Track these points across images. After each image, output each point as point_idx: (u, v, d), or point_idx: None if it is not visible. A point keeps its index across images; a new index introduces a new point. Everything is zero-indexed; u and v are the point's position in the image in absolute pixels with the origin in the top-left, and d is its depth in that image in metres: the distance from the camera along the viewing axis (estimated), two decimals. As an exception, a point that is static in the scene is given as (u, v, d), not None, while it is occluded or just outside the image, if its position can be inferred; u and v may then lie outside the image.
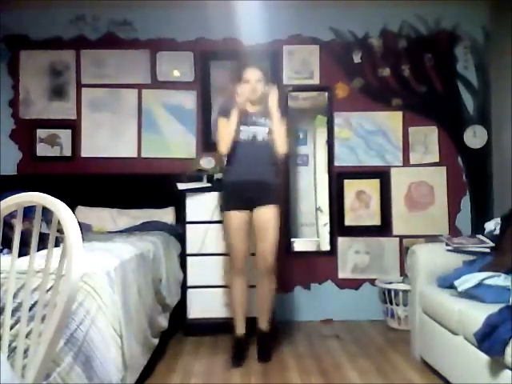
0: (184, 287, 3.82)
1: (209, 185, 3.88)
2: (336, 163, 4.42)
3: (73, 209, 1.51)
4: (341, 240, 4.40)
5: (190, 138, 4.42)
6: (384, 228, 4.39)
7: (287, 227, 4.27)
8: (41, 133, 4.39)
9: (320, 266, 4.37)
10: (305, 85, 4.43)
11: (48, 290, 1.70)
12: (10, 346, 1.58)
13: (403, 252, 4.29)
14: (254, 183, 3.24)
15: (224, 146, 3.30)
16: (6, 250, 2.34)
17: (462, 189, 4.41)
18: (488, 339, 2.13)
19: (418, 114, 4.41)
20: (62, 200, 1.46)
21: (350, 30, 4.42)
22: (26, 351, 1.43)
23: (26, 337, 1.53)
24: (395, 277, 4.30)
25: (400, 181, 4.42)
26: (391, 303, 4.03)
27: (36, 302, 1.71)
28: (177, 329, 3.82)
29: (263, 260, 3.31)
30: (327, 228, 4.41)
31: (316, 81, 4.43)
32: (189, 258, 3.84)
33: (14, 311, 1.81)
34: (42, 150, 4.39)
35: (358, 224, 4.40)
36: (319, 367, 3.15)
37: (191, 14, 4.32)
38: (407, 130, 4.42)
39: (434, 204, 4.41)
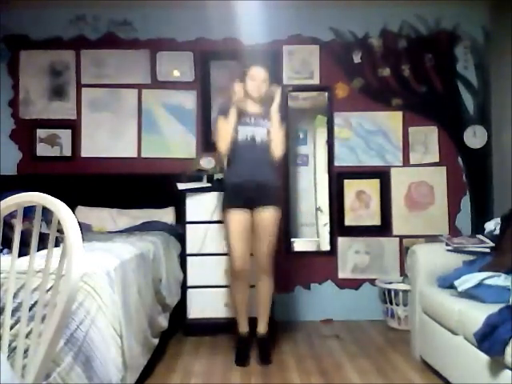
0: (184, 287, 3.82)
1: (209, 185, 3.88)
2: (336, 163, 4.42)
3: (73, 209, 1.51)
4: (341, 240, 4.40)
5: (190, 138, 4.42)
6: (384, 228, 4.39)
7: (287, 227, 4.28)
8: (41, 133, 4.39)
9: (320, 265, 4.37)
10: (305, 85, 4.43)
11: (48, 290, 1.70)
12: (10, 345, 1.58)
13: (403, 252, 4.30)
14: (253, 184, 3.24)
15: (223, 145, 3.30)
16: (6, 250, 2.34)
17: (462, 189, 4.41)
18: (488, 339, 2.13)
19: (418, 114, 4.41)
20: (62, 200, 1.46)
21: (350, 30, 4.42)
22: (26, 351, 1.43)
23: (26, 337, 1.53)
24: (395, 277, 4.30)
25: (400, 181, 4.42)
26: (391, 303, 4.03)
27: (36, 302, 1.71)
28: (177, 329, 3.82)
29: (259, 262, 3.32)
30: (327, 228, 4.41)
31: (316, 81, 4.43)
32: (189, 258, 3.84)
33: (14, 311, 1.81)
34: (42, 149, 4.39)
35: (358, 224, 4.40)
36: (319, 367, 3.15)
37: (191, 14, 4.32)
38: (407, 130, 4.42)
39: (433, 204, 4.41)
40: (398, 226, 4.40)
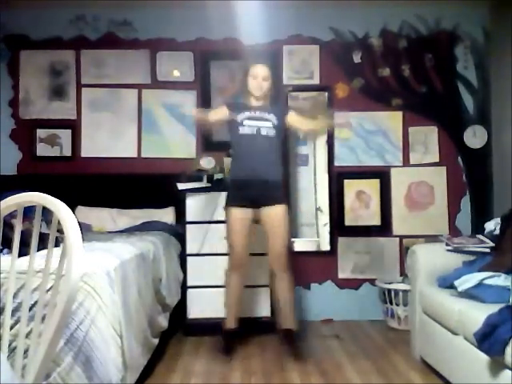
0: (184, 287, 3.82)
1: (209, 185, 3.88)
2: (336, 163, 4.42)
3: (73, 209, 1.51)
4: (341, 240, 4.40)
5: (190, 138, 4.42)
6: (384, 228, 4.39)
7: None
8: (41, 133, 4.39)
9: (320, 265, 4.37)
10: (305, 85, 4.43)
11: (48, 290, 1.71)
12: (10, 345, 1.58)
13: (403, 252, 4.30)
14: (259, 182, 3.24)
15: (212, 117, 3.43)
16: (6, 250, 2.35)
17: (462, 189, 4.41)
18: (488, 339, 2.13)
19: (418, 113, 4.41)
20: (62, 200, 1.46)
21: (350, 30, 4.42)
22: (26, 351, 1.43)
23: (26, 337, 1.53)
24: (395, 277, 4.30)
25: (400, 181, 4.42)
26: (391, 303, 4.03)
27: (36, 302, 1.71)
28: (177, 329, 3.82)
29: (277, 258, 3.31)
30: (327, 228, 4.41)
31: (316, 81, 4.43)
32: (189, 258, 3.85)
33: (14, 311, 1.81)
34: (42, 149, 4.39)
35: (357, 224, 4.40)
36: (319, 367, 3.15)
37: (191, 13, 4.33)
38: (407, 130, 4.43)
39: (434, 204, 4.41)
40: (398, 226, 4.40)
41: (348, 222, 4.41)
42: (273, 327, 3.84)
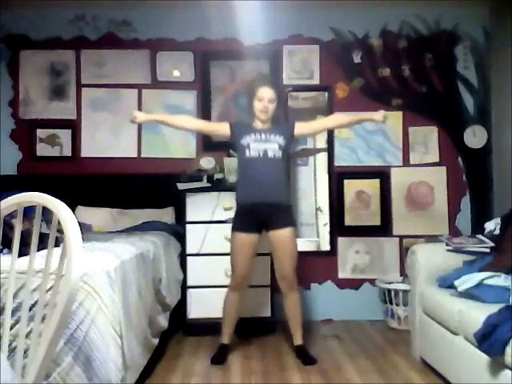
0: (184, 287, 3.82)
1: (209, 185, 3.88)
2: (336, 163, 4.42)
3: (73, 209, 1.51)
4: (341, 240, 4.40)
5: (190, 138, 4.42)
6: (384, 228, 4.39)
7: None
8: (41, 133, 4.39)
9: (320, 266, 4.37)
10: (305, 85, 4.43)
11: (48, 290, 1.71)
12: (10, 345, 1.58)
13: (403, 252, 4.29)
14: (266, 205, 3.21)
15: (197, 123, 3.55)
16: (6, 250, 2.35)
17: (462, 189, 4.41)
18: (488, 339, 2.13)
19: (418, 113, 4.41)
20: (62, 200, 1.46)
21: (350, 30, 4.42)
22: (26, 351, 1.43)
23: (26, 337, 1.53)
24: (395, 277, 4.30)
25: (400, 181, 4.42)
26: (391, 303, 4.03)
27: (36, 302, 1.71)
28: (177, 329, 3.82)
29: (284, 280, 3.30)
30: (327, 228, 4.41)
31: (316, 81, 4.43)
32: (189, 258, 3.85)
33: (14, 311, 1.81)
34: (42, 149, 4.39)
35: (358, 224, 4.40)
36: (319, 367, 3.15)
37: (191, 13, 4.32)
38: (407, 130, 4.42)
39: (433, 204, 4.41)
40: (398, 226, 4.40)
41: (348, 221, 4.41)
42: (273, 327, 3.85)
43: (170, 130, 4.39)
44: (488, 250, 3.11)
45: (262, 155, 3.23)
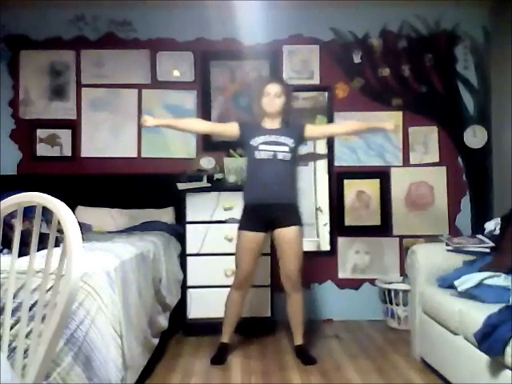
0: (184, 287, 3.82)
1: (209, 185, 3.88)
2: (336, 163, 4.42)
3: (73, 209, 1.51)
4: (341, 240, 4.40)
5: (190, 138, 4.42)
6: (384, 228, 4.39)
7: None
8: (41, 133, 4.39)
9: (320, 265, 4.37)
10: (305, 85, 4.43)
11: (48, 290, 1.71)
12: (10, 345, 1.58)
13: (403, 252, 4.29)
14: (274, 206, 3.21)
15: (209, 126, 3.56)
16: (6, 250, 2.35)
17: (462, 189, 4.41)
18: (488, 339, 2.13)
19: (418, 113, 4.41)
20: (62, 200, 1.46)
21: (350, 30, 4.42)
22: (26, 351, 1.43)
23: (26, 337, 1.53)
24: (395, 277, 4.30)
25: (400, 181, 4.42)
26: (391, 303, 4.04)
27: (36, 302, 1.71)
28: (177, 329, 3.82)
29: (288, 280, 3.28)
30: (327, 228, 4.41)
31: (316, 81, 4.43)
32: (189, 258, 3.85)
33: (14, 311, 1.81)
34: (42, 149, 4.39)
35: (358, 224, 4.40)
36: (319, 367, 3.15)
37: (191, 13, 4.32)
38: (407, 130, 4.42)
39: (433, 204, 4.41)
40: (398, 225, 4.40)
41: (348, 221, 4.41)
42: (273, 327, 3.85)
43: (170, 129, 4.41)
44: (488, 250, 3.11)
45: (271, 157, 3.22)
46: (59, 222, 1.41)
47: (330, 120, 4.41)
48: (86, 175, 4.31)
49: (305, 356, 3.27)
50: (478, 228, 3.96)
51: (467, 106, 4.41)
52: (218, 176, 3.97)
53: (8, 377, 1.17)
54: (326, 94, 4.43)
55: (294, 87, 4.39)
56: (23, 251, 1.60)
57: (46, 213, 1.48)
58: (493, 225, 3.32)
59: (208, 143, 4.37)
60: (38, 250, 1.53)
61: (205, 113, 4.40)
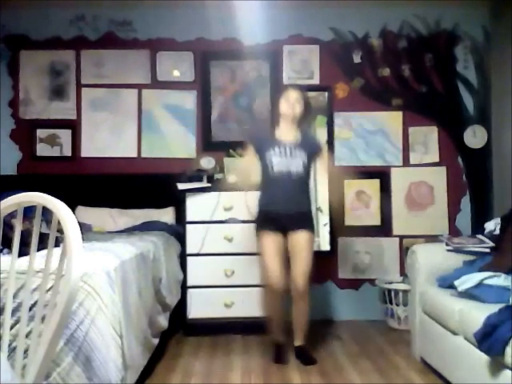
0: (184, 287, 3.82)
1: (209, 185, 3.88)
2: (336, 163, 4.42)
3: (73, 209, 1.51)
4: (341, 240, 4.40)
5: (190, 137, 4.42)
6: (384, 228, 4.39)
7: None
8: (41, 133, 4.39)
9: (320, 265, 4.35)
10: (305, 85, 4.42)
11: (48, 290, 1.70)
12: (10, 345, 1.58)
13: (403, 252, 4.29)
14: (287, 214, 3.21)
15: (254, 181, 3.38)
16: (6, 250, 2.35)
17: (462, 189, 4.41)
18: (488, 339, 2.13)
19: (418, 113, 4.41)
20: (62, 200, 1.46)
21: (350, 30, 4.42)
22: (26, 351, 1.43)
23: (26, 337, 1.53)
24: (395, 277, 4.30)
25: (400, 181, 4.42)
26: (391, 303, 4.03)
27: (36, 302, 1.71)
28: (177, 329, 3.82)
29: (295, 284, 3.27)
30: (327, 228, 4.40)
31: (316, 81, 4.43)
32: (189, 258, 3.84)
33: (14, 311, 1.81)
34: (42, 149, 4.39)
35: (358, 224, 4.40)
36: (319, 367, 3.15)
37: (191, 13, 4.32)
38: (407, 130, 4.42)
39: (434, 204, 4.41)
40: (398, 226, 4.40)
41: (348, 221, 4.41)
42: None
43: (170, 130, 4.43)
44: (488, 250, 3.11)
45: (285, 171, 3.22)
46: (59, 222, 1.41)
47: (330, 120, 4.41)
48: (86, 175, 4.31)
49: (305, 356, 3.27)
50: (478, 228, 3.96)
51: (467, 105, 4.41)
52: (217, 176, 3.97)
53: (8, 377, 1.17)
54: (326, 94, 4.43)
55: (294, 87, 4.41)
56: (23, 251, 1.59)
57: (46, 213, 1.48)
58: (493, 225, 3.32)
59: (208, 143, 4.37)
60: (38, 250, 1.53)
61: (205, 113, 4.41)
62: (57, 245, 1.51)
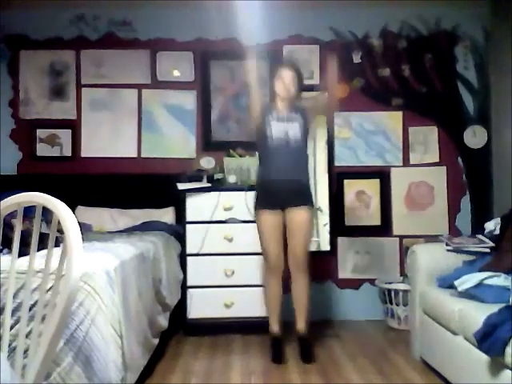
0: (184, 287, 3.82)
1: (209, 185, 3.88)
2: (336, 163, 4.42)
3: (73, 209, 1.51)
4: (341, 240, 4.40)
5: (190, 138, 4.42)
6: (384, 228, 4.39)
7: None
8: (41, 133, 4.39)
9: (320, 265, 4.36)
10: (305, 85, 4.41)
11: (48, 290, 1.71)
12: (10, 345, 1.58)
13: (403, 252, 4.29)
14: (286, 183, 3.25)
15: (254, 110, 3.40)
16: (6, 250, 2.34)
17: (462, 189, 4.41)
18: (488, 339, 2.13)
19: (418, 113, 4.41)
20: (62, 200, 1.46)
21: (350, 30, 4.42)
22: (26, 351, 1.43)
23: (26, 337, 1.53)
24: (395, 277, 4.30)
25: (400, 181, 4.42)
26: (391, 303, 4.03)
27: (36, 302, 1.71)
28: (177, 329, 3.82)
29: (295, 258, 3.30)
30: (327, 228, 4.40)
31: (316, 81, 4.43)
32: (189, 258, 3.84)
33: (14, 311, 1.81)
34: (42, 149, 4.39)
35: (358, 224, 4.40)
36: (319, 367, 3.15)
37: (191, 13, 4.32)
38: (407, 130, 4.43)
39: (434, 204, 4.41)
40: (398, 226, 4.40)
41: (348, 222, 4.41)
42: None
43: (170, 130, 4.42)
44: (488, 250, 3.11)
45: (282, 135, 3.28)
46: (59, 222, 1.41)
47: (330, 120, 4.40)
48: (86, 175, 4.31)
49: (307, 352, 3.25)
50: (478, 228, 3.96)
51: (467, 106, 4.41)
52: (217, 176, 3.97)
53: (8, 377, 1.17)
54: (326, 94, 4.42)
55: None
56: (23, 251, 1.59)
57: (46, 213, 1.48)
58: (493, 225, 3.32)
59: (208, 143, 4.38)
60: (38, 250, 1.53)
61: (205, 113, 4.41)
62: (57, 245, 1.51)
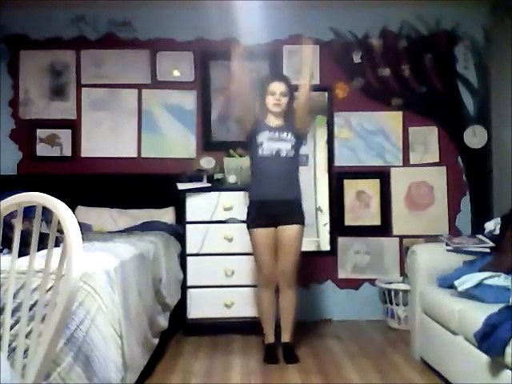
0: (184, 287, 3.82)
1: (209, 185, 3.88)
2: (336, 163, 4.42)
3: (73, 209, 1.51)
4: (341, 240, 4.40)
5: (190, 137, 4.42)
6: (384, 228, 4.39)
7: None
8: (41, 133, 4.39)
9: (320, 265, 4.37)
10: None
11: (48, 290, 1.70)
12: (10, 345, 1.58)
13: (403, 252, 4.29)
14: (278, 202, 3.25)
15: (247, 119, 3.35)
16: (6, 250, 2.34)
17: (462, 189, 4.41)
18: (488, 339, 2.13)
19: (418, 113, 4.41)
20: (62, 200, 1.46)
21: (350, 30, 4.42)
22: (26, 351, 1.43)
23: (26, 337, 1.53)
24: (395, 277, 4.30)
25: (400, 181, 4.42)
26: (391, 303, 4.03)
27: (36, 302, 1.71)
28: (177, 329, 3.82)
29: (284, 274, 3.31)
30: (327, 228, 4.41)
31: (316, 81, 4.42)
32: (189, 258, 3.84)
33: (14, 311, 1.81)
34: (42, 150, 4.39)
35: (358, 224, 4.40)
36: (319, 367, 3.15)
37: (191, 13, 4.32)
38: (407, 130, 4.42)
39: (434, 204, 4.41)
40: (398, 225, 4.40)
41: (348, 221, 4.41)
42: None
43: (170, 130, 4.42)
44: (488, 250, 3.11)
45: (274, 154, 3.26)
46: (59, 222, 1.41)
47: (330, 120, 4.41)
48: (86, 175, 4.31)
49: (290, 355, 3.27)
50: (478, 228, 3.95)
51: (467, 105, 4.41)
52: (217, 176, 3.97)
53: (8, 377, 1.17)
54: (326, 94, 4.43)
55: (294, 87, 4.40)
56: (23, 251, 1.59)
57: (46, 213, 1.48)
58: (493, 225, 3.32)
59: (208, 143, 4.38)
60: (38, 250, 1.53)
61: (205, 113, 4.41)
62: (57, 245, 1.51)
